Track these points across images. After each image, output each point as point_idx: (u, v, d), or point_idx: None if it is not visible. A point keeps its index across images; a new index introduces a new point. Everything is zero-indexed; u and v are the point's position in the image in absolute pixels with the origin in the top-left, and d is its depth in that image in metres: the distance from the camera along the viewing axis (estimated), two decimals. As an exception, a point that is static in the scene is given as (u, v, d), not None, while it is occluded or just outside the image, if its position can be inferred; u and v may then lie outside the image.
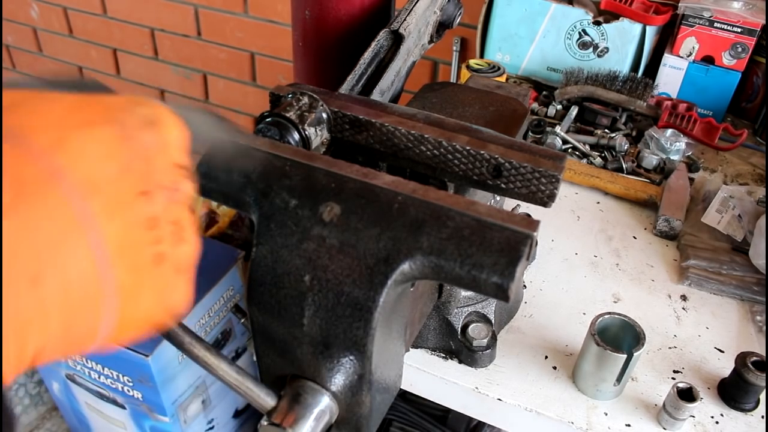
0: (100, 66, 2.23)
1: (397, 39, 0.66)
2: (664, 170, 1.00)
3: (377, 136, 0.56)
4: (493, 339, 0.69)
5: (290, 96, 0.56)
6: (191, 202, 0.30)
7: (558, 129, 1.05)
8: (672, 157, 1.03)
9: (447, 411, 1.12)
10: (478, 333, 0.68)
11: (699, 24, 1.11)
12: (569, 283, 0.81)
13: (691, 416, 0.65)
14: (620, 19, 1.14)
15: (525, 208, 0.73)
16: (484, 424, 1.10)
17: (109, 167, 0.26)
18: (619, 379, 0.64)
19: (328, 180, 0.47)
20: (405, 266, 0.44)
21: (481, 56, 1.28)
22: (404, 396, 1.13)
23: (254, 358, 0.52)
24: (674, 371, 0.70)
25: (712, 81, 1.14)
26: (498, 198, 0.69)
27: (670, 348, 0.73)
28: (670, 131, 1.04)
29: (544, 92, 1.20)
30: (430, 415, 1.12)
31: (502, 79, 1.06)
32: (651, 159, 1.01)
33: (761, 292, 0.80)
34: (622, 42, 1.15)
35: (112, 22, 2.06)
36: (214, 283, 1.11)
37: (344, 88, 0.62)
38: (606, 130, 1.09)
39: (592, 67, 1.14)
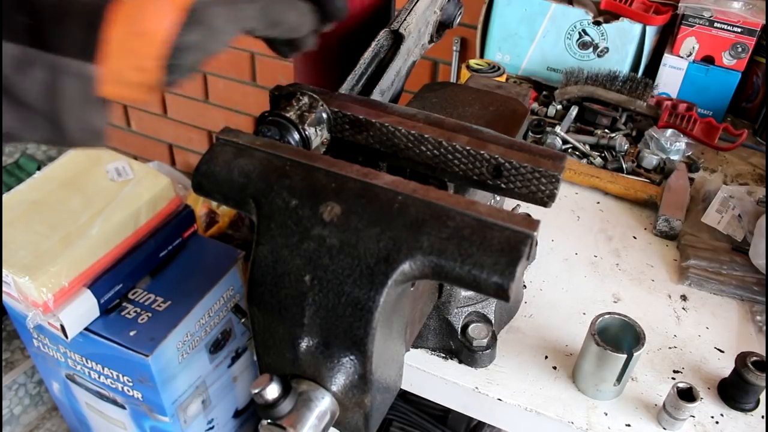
0: (100, 66, 2.22)
1: (397, 39, 0.66)
2: (664, 170, 1.00)
3: (377, 136, 0.56)
4: (493, 339, 0.69)
5: (290, 96, 0.56)
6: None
7: (558, 129, 1.05)
8: (672, 157, 1.03)
9: (447, 411, 1.12)
10: (478, 333, 0.68)
11: (699, 24, 1.11)
12: (569, 283, 0.81)
13: (691, 416, 0.65)
14: (620, 19, 1.14)
15: (525, 208, 0.73)
16: (484, 424, 1.10)
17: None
18: (619, 379, 0.64)
19: (329, 180, 0.47)
20: (405, 266, 0.44)
21: (481, 56, 1.28)
22: (404, 396, 1.13)
23: (254, 358, 0.53)
24: (674, 371, 0.70)
25: (712, 81, 1.14)
26: (498, 198, 0.69)
27: (670, 348, 0.73)
28: (670, 131, 1.04)
29: (544, 92, 1.20)
30: (430, 415, 1.12)
31: (502, 79, 1.06)
32: (651, 159, 1.01)
33: (761, 292, 0.80)
34: (622, 42, 1.15)
35: (112, 22, 2.06)
36: (214, 283, 1.11)
37: (344, 88, 0.62)
38: (606, 130, 1.09)
39: (592, 67, 1.14)
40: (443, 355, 0.70)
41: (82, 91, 0.44)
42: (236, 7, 0.46)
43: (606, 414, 0.65)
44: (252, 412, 1.37)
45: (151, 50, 0.44)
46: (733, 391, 0.67)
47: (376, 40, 0.66)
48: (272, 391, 0.44)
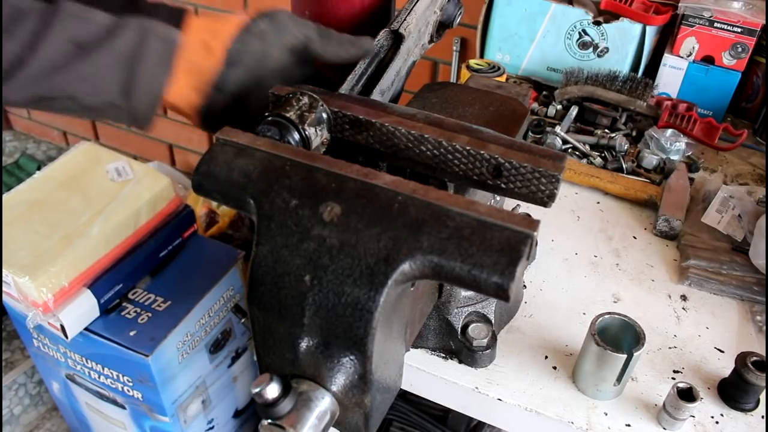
0: (100, 66, 2.22)
1: (397, 39, 0.66)
2: (664, 170, 1.00)
3: (377, 136, 0.56)
4: (493, 339, 0.69)
5: (290, 96, 0.56)
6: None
7: (558, 129, 1.05)
8: (672, 157, 1.03)
9: (447, 411, 1.12)
10: (478, 333, 0.68)
11: (699, 24, 1.11)
12: (569, 283, 0.81)
13: (691, 416, 0.65)
14: (620, 19, 1.14)
15: (525, 208, 0.73)
16: (484, 424, 1.10)
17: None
18: (619, 379, 0.64)
19: (329, 180, 0.47)
20: (405, 266, 0.44)
21: (481, 56, 1.28)
22: (404, 396, 1.13)
23: (254, 358, 0.53)
24: (674, 371, 0.70)
25: (712, 81, 1.14)
26: (498, 198, 0.69)
27: (670, 348, 0.73)
28: (670, 131, 1.04)
29: (544, 92, 1.20)
30: (430, 415, 1.12)
31: (502, 79, 1.06)
32: (651, 159, 1.01)
33: (761, 292, 0.80)
34: (622, 42, 1.15)
35: (112, 22, 2.06)
36: (214, 283, 1.11)
37: (344, 88, 0.62)
38: (606, 130, 1.09)
39: (592, 67, 1.14)
40: (443, 355, 0.70)
41: (162, 52, 0.53)
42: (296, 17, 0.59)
43: (606, 414, 0.65)
44: (252, 412, 1.37)
45: (224, 31, 0.56)
46: (733, 391, 0.67)
47: (376, 40, 0.66)
48: (272, 391, 0.44)
